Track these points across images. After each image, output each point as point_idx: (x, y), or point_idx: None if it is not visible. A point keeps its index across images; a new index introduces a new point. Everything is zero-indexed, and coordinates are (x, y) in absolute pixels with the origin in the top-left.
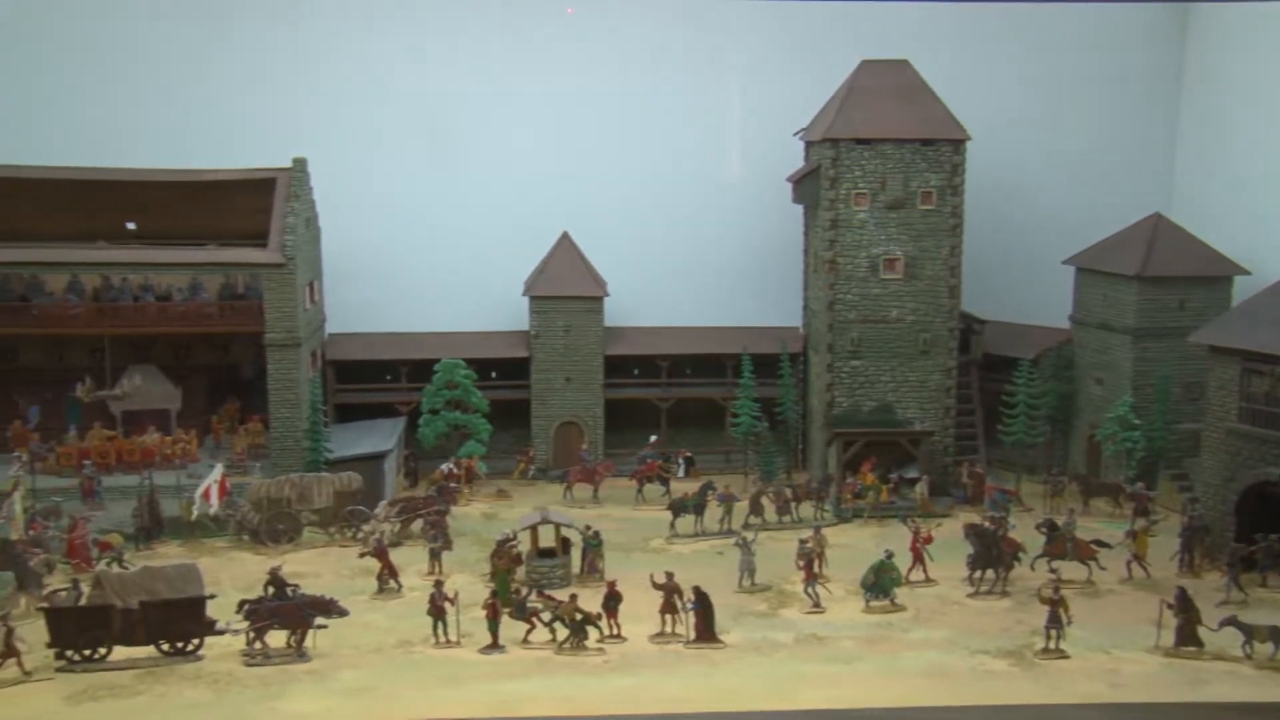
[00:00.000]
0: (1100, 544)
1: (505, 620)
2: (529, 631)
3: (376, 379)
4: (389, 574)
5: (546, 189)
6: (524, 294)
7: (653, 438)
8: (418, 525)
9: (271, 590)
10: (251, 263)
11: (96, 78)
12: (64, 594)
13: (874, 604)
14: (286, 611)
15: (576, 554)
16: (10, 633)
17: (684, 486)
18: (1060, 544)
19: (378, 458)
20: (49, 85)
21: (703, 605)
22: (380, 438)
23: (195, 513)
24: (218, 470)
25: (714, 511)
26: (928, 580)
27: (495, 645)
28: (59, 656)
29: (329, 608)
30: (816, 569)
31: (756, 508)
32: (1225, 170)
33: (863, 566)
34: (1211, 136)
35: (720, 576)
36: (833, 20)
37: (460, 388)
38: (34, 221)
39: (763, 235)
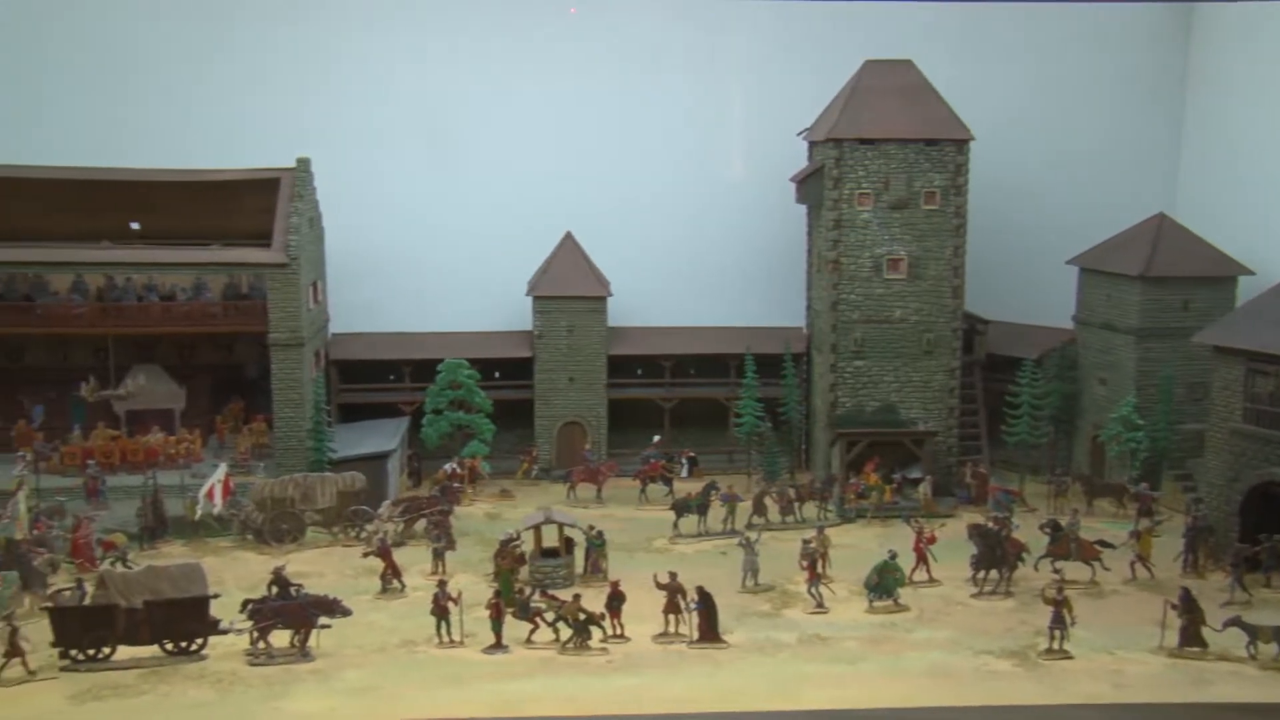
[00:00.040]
0: (1104, 544)
1: (509, 620)
2: (532, 631)
3: (380, 379)
4: (392, 574)
5: (550, 189)
6: (527, 294)
7: (656, 438)
8: (421, 525)
9: (275, 590)
10: (255, 263)
11: (100, 78)
12: (68, 593)
13: (877, 604)
14: (290, 611)
15: (580, 554)
16: (15, 632)
17: (687, 486)
18: (1064, 544)
19: (381, 458)
20: (53, 85)
21: (706, 605)
22: (383, 438)
23: (199, 512)
24: (221, 470)
25: (717, 511)
26: (931, 581)
27: (499, 645)
28: (63, 656)
29: (332, 607)
30: (820, 569)
31: (760, 508)
32: (1229, 170)
33: (866, 567)
34: (1215, 136)
35: (723, 576)
36: (836, 20)
37: (463, 388)
38: (38, 221)
39: (766, 235)
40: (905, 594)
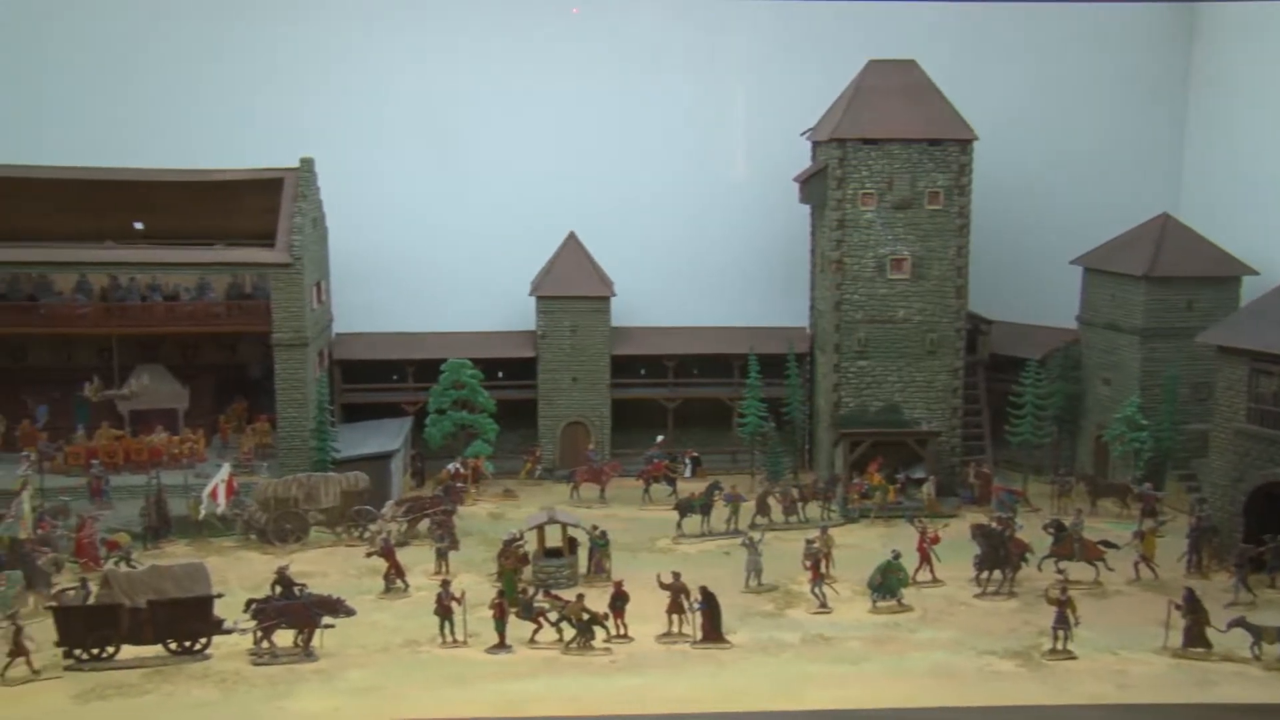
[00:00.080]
0: (1108, 545)
1: (512, 620)
2: (536, 631)
3: (383, 379)
4: (396, 573)
5: (553, 189)
6: (531, 294)
7: (659, 438)
8: (424, 525)
9: (279, 589)
10: (259, 263)
11: (104, 78)
12: (72, 593)
13: (881, 604)
14: (294, 611)
15: (583, 554)
16: (19, 631)
17: (691, 486)
18: (1067, 544)
19: (384, 457)
20: (57, 86)
21: (709, 605)
22: (387, 437)
23: (203, 512)
24: (225, 470)
25: (720, 511)
26: (935, 581)
27: (502, 645)
28: (67, 655)
29: (336, 607)
30: (823, 569)
31: (763, 508)
32: (1233, 170)
33: (869, 567)
34: (1219, 136)
35: (727, 576)
36: (840, 20)
37: (467, 388)
38: (42, 221)
39: (770, 235)
40: (909, 594)
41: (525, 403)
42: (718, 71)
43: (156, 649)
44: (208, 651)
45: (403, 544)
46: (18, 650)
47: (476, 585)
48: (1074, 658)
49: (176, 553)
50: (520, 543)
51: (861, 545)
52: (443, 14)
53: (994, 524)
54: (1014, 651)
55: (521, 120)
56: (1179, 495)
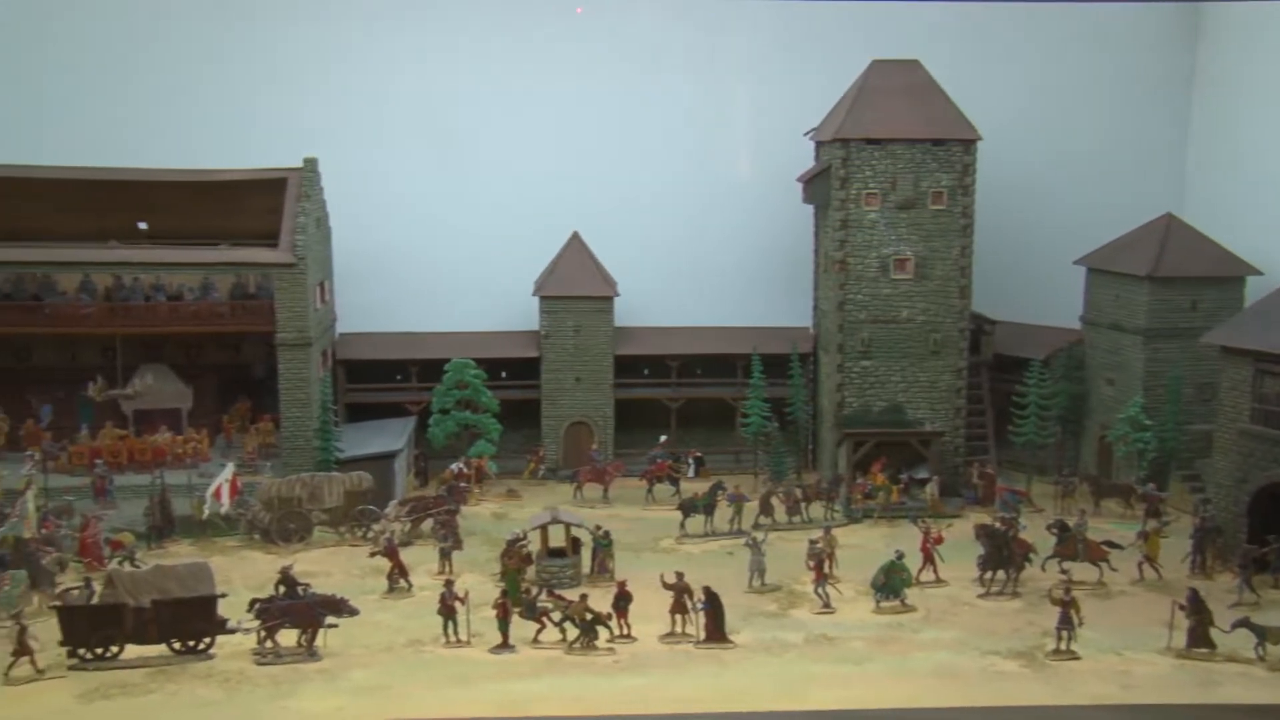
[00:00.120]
0: (1111, 545)
1: (515, 620)
2: (539, 631)
3: (387, 379)
4: (399, 573)
5: (557, 189)
6: (534, 294)
7: (663, 438)
8: (428, 525)
9: (282, 589)
10: (262, 262)
11: (108, 78)
12: (76, 592)
13: (884, 604)
14: (297, 610)
15: (586, 554)
16: (23, 631)
17: (694, 486)
18: (1071, 545)
19: (388, 457)
20: (60, 86)
21: (713, 605)
22: (390, 437)
23: (206, 512)
24: (229, 469)
25: (724, 512)
26: (938, 581)
27: (505, 645)
28: (71, 654)
29: (339, 607)
30: (827, 569)
31: (766, 508)
32: (1237, 170)
33: (873, 567)
34: (1223, 136)
35: (730, 577)
36: (843, 20)
37: (470, 387)
38: (46, 221)
39: (773, 235)
40: (912, 594)
41: (528, 403)
42: (721, 71)
43: (160, 648)
44: (211, 651)
45: (406, 544)
46: (22, 650)
47: (480, 585)
48: (1078, 658)
49: (180, 552)
50: (524, 543)
51: (865, 545)
52: (445, 14)
53: (998, 524)
54: (1017, 652)
55: (524, 120)
56: (1183, 496)
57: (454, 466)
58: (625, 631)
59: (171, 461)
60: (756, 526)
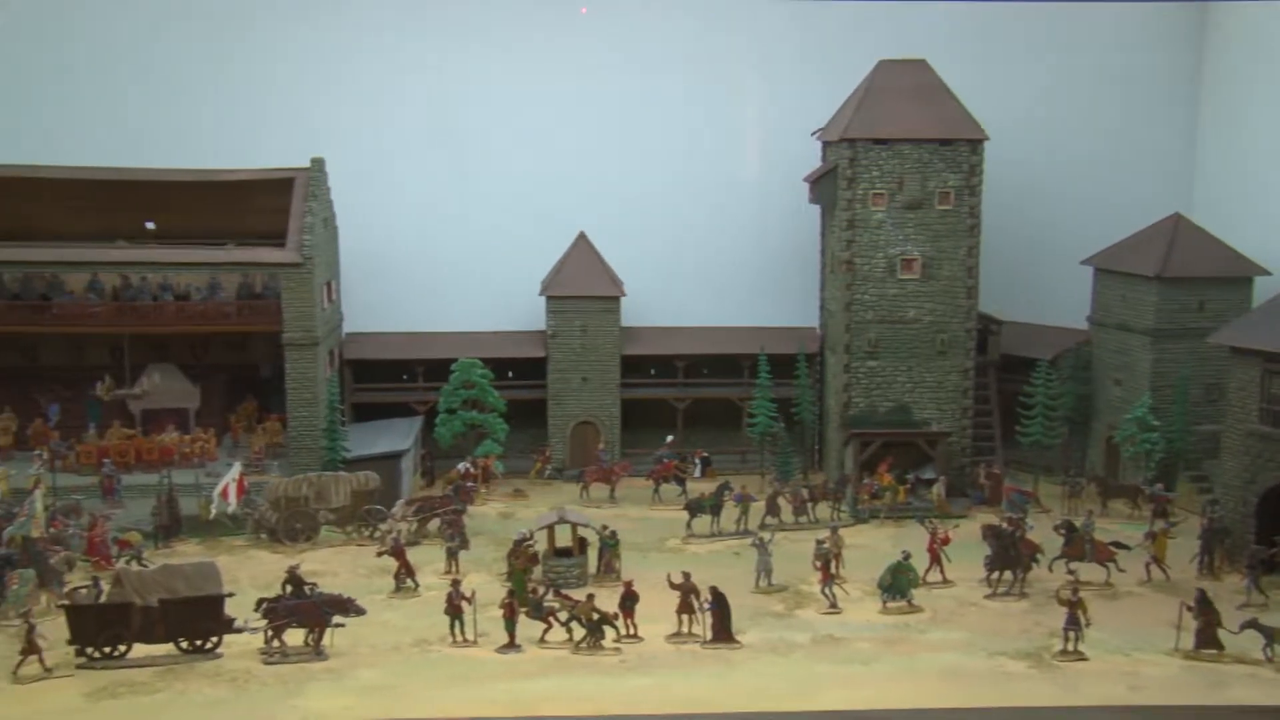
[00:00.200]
0: (1119, 546)
1: (522, 620)
2: (546, 631)
3: (393, 378)
4: (406, 573)
5: (563, 189)
6: (541, 294)
7: (669, 438)
8: (435, 524)
9: (289, 589)
10: (270, 262)
11: (116, 79)
12: (84, 591)
13: (891, 605)
14: (304, 610)
15: (593, 554)
16: (31, 629)
17: (700, 486)
18: (1078, 545)
19: (395, 457)
20: (69, 86)
21: (719, 605)
22: (397, 437)
23: (213, 511)
24: (236, 469)
25: (730, 512)
26: (945, 581)
27: (512, 644)
28: (79, 653)
29: (346, 606)
30: (833, 570)
31: (773, 508)
32: (1245, 170)
33: (880, 567)
34: (1231, 136)
35: (737, 577)
36: (851, 20)
37: (477, 387)
38: (55, 221)
39: (779, 235)
40: (919, 595)
41: (535, 402)
42: (727, 71)
43: (168, 647)
44: (219, 650)
45: (413, 543)
46: (30, 648)
47: (487, 585)
48: (1085, 659)
49: (188, 551)
50: (530, 542)
51: (871, 546)
52: (452, 15)
53: (1005, 525)
54: (1025, 653)
55: (531, 120)
56: (1190, 496)
57: (461, 466)
58: (632, 631)
59: (179, 461)
60: (763, 527)
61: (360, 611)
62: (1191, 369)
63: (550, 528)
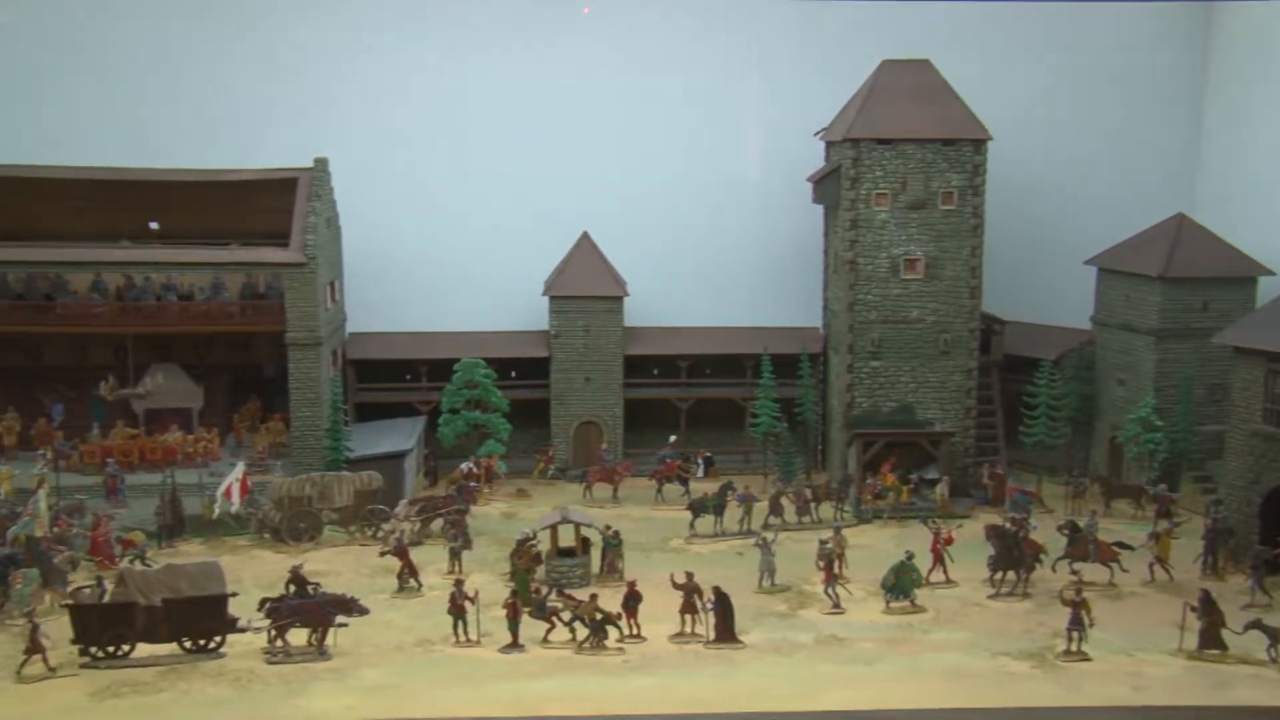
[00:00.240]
0: (1122, 546)
1: (525, 619)
2: (549, 631)
3: (397, 378)
4: (409, 573)
5: (566, 189)
6: (544, 294)
7: (672, 438)
8: (438, 524)
9: (293, 588)
10: (273, 262)
11: (119, 79)
12: (88, 591)
13: (894, 605)
14: (308, 610)
15: (596, 554)
16: (35, 629)
17: (703, 487)
18: (1082, 546)
19: (398, 457)
20: (72, 86)
21: (722, 605)
22: (400, 437)
23: (217, 511)
24: (239, 469)
25: (733, 512)
26: (948, 582)
27: (515, 644)
28: (83, 653)
29: (350, 606)
30: (836, 570)
31: (776, 508)
32: (1249, 170)
33: (883, 567)
34: (1235, 136)
35: (740, 577)
36: (854, 20)
37: (480, 387)
38: (58, 221)
39: (783, 235)
40: (922, 595)
41: (538, 402)
42: (731, 71)
43: (171, 647)
44: (222, 650)
45: (416, 543)
46: (34, 647)
47: (490, 585)
48: (1088, 659)
49: (191, 551)
50: (533, 542)
51: (875, 546)
52: (455, 15)
53: (1008, 525)
54: (1028, 653)
55: (534, 120)
56: (1194, 497)
57: (464, 466)
58: (635, 631)
59: (182, 461)
60: (766, 527)
61: (363, 611)
62: (1195, 369)
63: (553, 528)
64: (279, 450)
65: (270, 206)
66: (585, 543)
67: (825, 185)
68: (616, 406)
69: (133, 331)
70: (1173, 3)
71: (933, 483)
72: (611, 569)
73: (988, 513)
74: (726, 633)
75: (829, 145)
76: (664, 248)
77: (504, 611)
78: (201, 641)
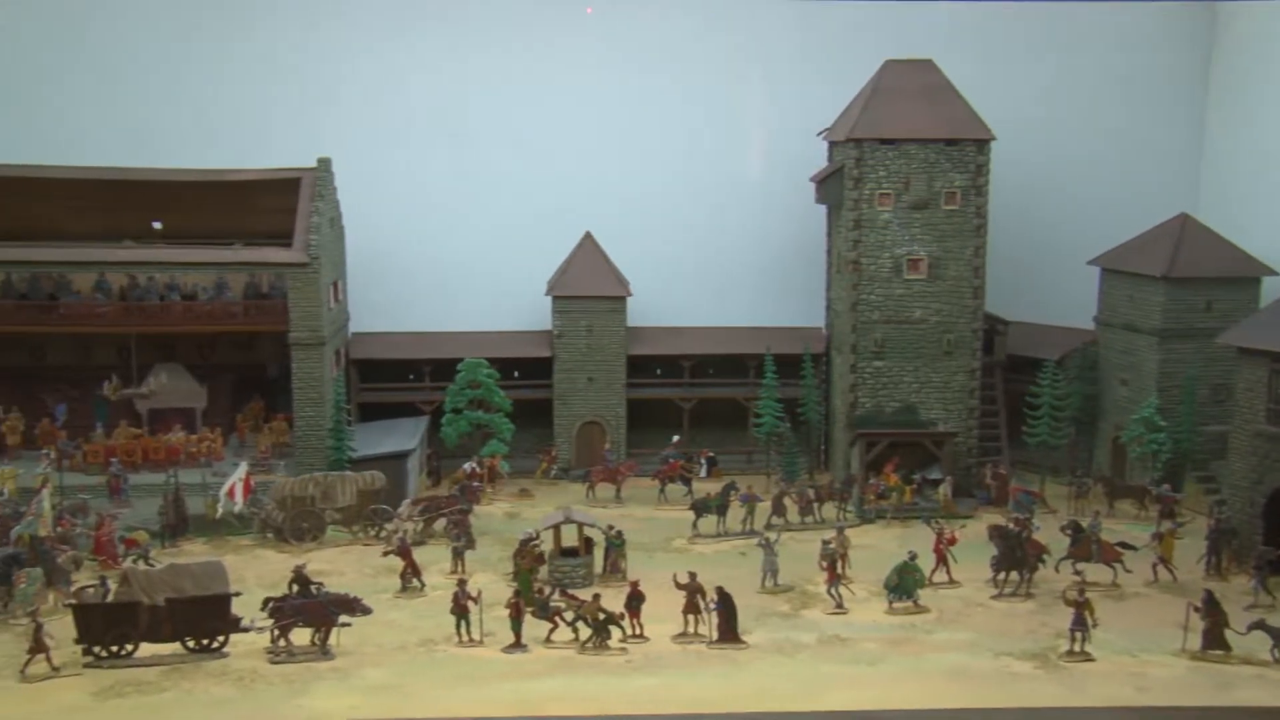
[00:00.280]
0: (1125, 546)
1: (528, 619)
2: (552, 631)
3: (400, 378)
4: (412, 572)
5: (569, 189)
6: (547, 294)
7: (675, 438)
8: (441, 524)
9: (296, 588)
10: (276, 262)
11: (123, 79)
12: (91, 590)
13: (897, 605)
14: (311, 609)
15: (599, 554)
16: (39, 628)
17: (706, 487)
18: (1085, 546)
19: (401, 457)
20: (75, 86)
21: (725, 605)
22: (403, 437)
23: (220, 511)
24: (242, 468)
25: (736, 512)
26: (951, 582)
27: (518, 644)
28: (86, 652)
29: (353, 606)
30: (839, 570)
31: (779, 508)
32: (1253, 170)
33: (886, 568)
34: (1239, 136)
35: (743, 577)
36: (857, 20)
37: (483, 387)
38: (62, 221)
39: (786, 235)
40: (925, 595)
41: (541, 402)
42: (734, 71)
43: (175, 647)
44: (225, 649)
45: (419, 543)
46: (38, 647)
47: (492, 584)
48: (1092, 660)
49: (194, 551)
50: (536, 542)
51: (878, 546)
52: (457, 15)
53: (1011, 525)
54: (1031, 653)
55: (538, 120)
56: (1197, 497)
57: (467, 466)
58: (638, 631)
59: (185, 460)
60: (769, 527)
61: (366, 611)
62: (1198, 369)
63: (556, 527)
64: (282, 450)
65: (273, 206)
66: (588, 543)
67: (828, 185)
68: (619, 406)
69: (136, 331)
70: (1176, 2)
71: (936, 483)
72: (614, 569)
73: (991, 513)
74: (729, 633)
75: (832, 145)
76: (667, 248)
77: (507, 611)
78: (205, 641)
